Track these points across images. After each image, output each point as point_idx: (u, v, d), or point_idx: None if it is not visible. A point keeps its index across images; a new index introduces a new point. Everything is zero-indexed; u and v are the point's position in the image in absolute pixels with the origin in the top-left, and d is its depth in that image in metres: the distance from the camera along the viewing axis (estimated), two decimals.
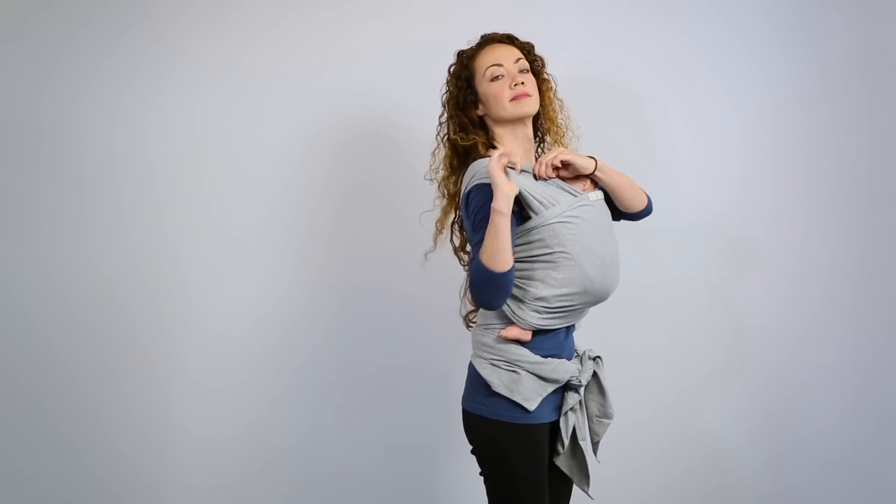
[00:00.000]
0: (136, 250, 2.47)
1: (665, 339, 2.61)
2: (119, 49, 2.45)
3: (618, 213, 1.93)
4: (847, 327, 2.64)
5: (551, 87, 1.93)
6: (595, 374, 1.87)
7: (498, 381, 1.77)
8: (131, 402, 2.48)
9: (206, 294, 2.49)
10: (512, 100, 1.82)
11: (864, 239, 2.63)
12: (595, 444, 1.91)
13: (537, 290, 1.75)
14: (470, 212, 1.76)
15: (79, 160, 2.45)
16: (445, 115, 1.93)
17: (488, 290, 1.69)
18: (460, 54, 1.91)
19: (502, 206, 1.64)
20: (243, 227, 2.50)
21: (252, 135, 2.49)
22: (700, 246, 2.60)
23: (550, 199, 1.77)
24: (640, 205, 1.92)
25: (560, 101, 1.95)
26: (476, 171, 1.77)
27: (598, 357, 1.89)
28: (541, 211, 1.74)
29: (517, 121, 1.85)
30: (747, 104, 2.60)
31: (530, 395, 1.76)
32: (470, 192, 1.76)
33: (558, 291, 1.75)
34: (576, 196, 1.80)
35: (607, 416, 1.88)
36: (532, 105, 1.84)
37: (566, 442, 1.82)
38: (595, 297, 1.80)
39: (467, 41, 1.93)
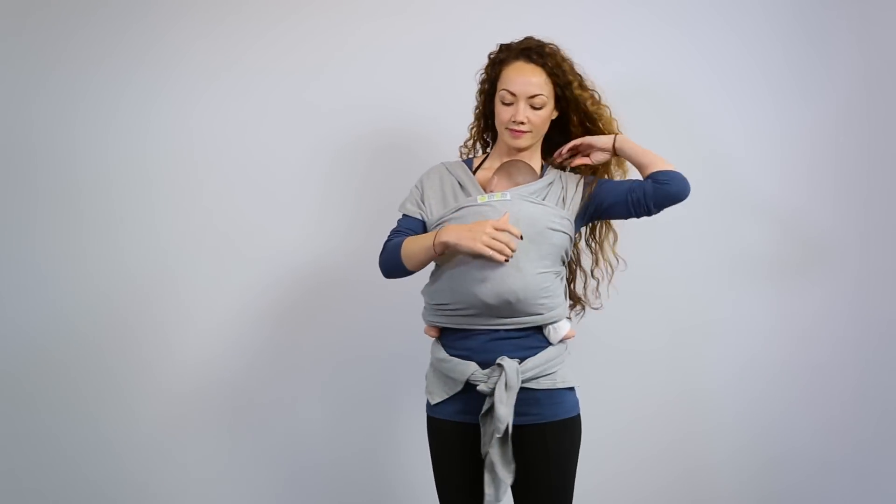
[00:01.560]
0: (134, 251, 2.48)
1: (665, 337, 2.61)
2: (118, 49, 2.45)
3: (640, 208, 1.86)
4: (847, 327, 2.64)
5: (579, 126, 1.94)
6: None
7: (426, 374, 1.94)
8: (132, 403, 2.49)
9: (201, 291, 2.50)
10: (507, 129, 1.87)
11: (863, 238, 2.63)
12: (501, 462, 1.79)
13: (425, 287, 1.91)
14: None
15: (77, 160, 2.45)
16: (478, 91, 2.00)
17: (391, 266, 1.88)
18: (501, 49, 1.93)
19: (448, 236, 1.76)
20: (243, 228, 2.50)
21: (251, 136, 2.49)
22: (700, 245, 2.60)
23: (443, 201, 1.89)
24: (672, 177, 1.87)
25: (607, 124, 1.95)
26: (427, 170, 1.98)
27: (500, 365, 1.77)
28: (428, 216, 1.90)
29: None
30: (747, 104, 2.60)
31: (433, 390, 1.87)
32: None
33: (432, 289, 1.87)
34: (468, 198, 1.86)
35: (497, 429, 1.74)
36: (526, 141, 1.89)
37: (484, 445, 1.78)
38: (469, 304, 1.78)
39: (511, 38, 1.93)
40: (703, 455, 2.64)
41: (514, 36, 1.94)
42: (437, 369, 1.88)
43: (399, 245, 1.86)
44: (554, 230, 1.81)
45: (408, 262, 1.84)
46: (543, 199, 1.85)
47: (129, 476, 2.50)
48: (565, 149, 1.95)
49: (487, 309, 1.77)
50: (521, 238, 1.75)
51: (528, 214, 1.80)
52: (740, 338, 2.63)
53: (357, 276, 2.49)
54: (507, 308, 1.77)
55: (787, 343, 2.64)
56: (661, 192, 1.84)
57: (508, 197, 1.82)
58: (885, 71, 2.61)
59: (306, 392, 2.54)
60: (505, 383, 1.74)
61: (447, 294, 1.82)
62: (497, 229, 1.72)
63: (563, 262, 1.88)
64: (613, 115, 1.96)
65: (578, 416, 1.87)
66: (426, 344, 1.97)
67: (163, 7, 2.46)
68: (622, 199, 1.86)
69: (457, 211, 1.84)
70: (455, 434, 1.84)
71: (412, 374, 2.40)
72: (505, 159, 1.93)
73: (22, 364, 2.46)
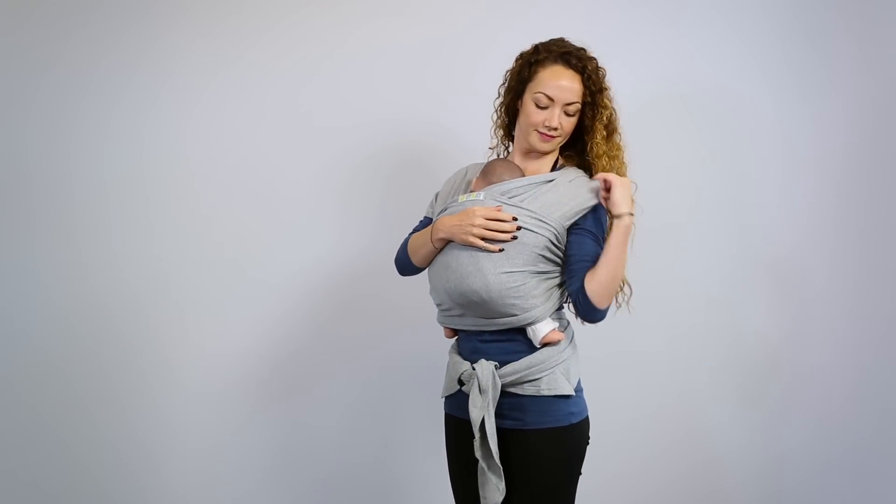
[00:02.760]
0: (132, 252, 2.47)
1: (665, 338, 2.61)
2: (117, 49, 2.44)
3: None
4: (847, 327, 2.64)
5: (604, 132, 1.84)
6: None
7: None
8: (129, 407, 2.49)
9: (201, 298, 2.49)
10: (537, 131, 1.83)
11: (863, 238, 2.63)
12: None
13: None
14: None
15: (75, 160, 2.45)
16: (504, 86, 1.94)
17: (402, 261, 1.95)
18: (536, 49, 1.86)
19: (442, 231, 1.81)
20: (243, 230, 2.50)
21: (249, 136, 2.48)
22: (700, 245, 2.60)
23: (444, 201, 1.92)
24: (601, 299, 1.75)
25: (615, 144, 1.88)
26: (448, 179, 1.99)
27: (473, 368, 1.79)
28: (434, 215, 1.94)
29: None
30: (747, 104, 2.60)
31: (446, 384, 1.90)
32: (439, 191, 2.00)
33: (430, 288, 1.89)
34: (452, 198, 1.89)
35: (474, 432, 1.76)
36: (553, 145, 1.85)
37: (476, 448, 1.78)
38: (440, 297, 1.83)
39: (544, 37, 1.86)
40: (702, 455, 2.64)
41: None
42: (448, 366, 1.91)
43: (407, 241, 1.94)
44: (525, 230, 1.76)
45: (413, 257, 1.90)
46: (517, 198, 1.80)
47: (136, 482, 2.50)
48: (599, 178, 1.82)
49: (462, 309, 1.79)
50: (516, 220, 1.75)
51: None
52: (740, 338, 2.63)
53: (365, 280, 2.51)
54: (479, 308, 1.76)
55: (788, 343, 2.64)
56: (578, 309, 1.80)
57: (481, 197, 1.81)
58: (885, 71, 2.61)
59: (318, 400, 2.54)
60: (478, 386, 1.74)
61: (434, 294, 1.88)
62: (487, 218, 1.74)
63: (552, 262, 1.79)
64: (623, 143, 1.89)
65: (574, 425, 1.78)
66: (438, 353, 1.97)
67: (162, 7, 2.46)
68: (570, 256, 1.80)
69: (442, 211, 1.88)
70: (456, 429, 1.87)
71: (425, 383, 2.41)
72: (518, 158, 1.90)
73: (19, 366, 2.45)
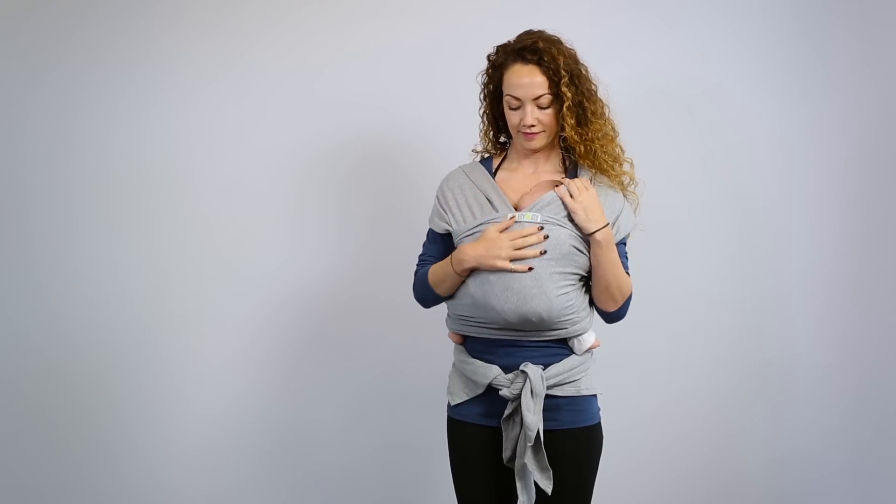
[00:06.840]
0: (132, 252, 2.47)
1: (665, 338, 2.61)
2: (117, 49, 2.44)
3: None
4: (847, 327, 2.64)
5: (572, 120, 1.80)
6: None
7: (449, 374, 1.94)
8: (123, 406, 2.49)
9: (200, 298, 2.50)
10: (521, 132, 1.83)
11: (864, 239, 2.63)
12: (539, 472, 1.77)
13: (452, 295, 1.87)
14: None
15: (75, 161, 2.45)
16: (481, 94, 1.94)
17: (425, 296, 1.90)
18: (498, 51, 1.87)
19: (468, 262, 1.76)
20: (242, 231, 2.50)
21: (250, 137, 2.48)
22: (700, 245, 2.60)
23: (470, 212, 1.84)
24: (604, 304, 1.84)
25: (604, 122, 1.86)
26: (446, 176, 1.93)
27: (524, 372, 1.76)
28: (453, 227, 1.86)
29: None
30: (747, 105, 2.60)
31: (454, 391, 1.88)
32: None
33: (456, 301, 1.84)
34: (496, 212, 1.82)
35: (528, 438, 1.74)
36: (541, 141, 1.84)
37: (506, 451, 1.79)
38: (488, 315, 1.76)
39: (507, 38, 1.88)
40: (702, 456, 2.64)
41: (513, 37, 1.92)
42: (459, 370, 1.88)
43: (426, 276, 1.87)
44: (580, 252, 1.78)
45: (440, 290, 1.85)
46: (561, 214, 1.79)
47: (131, 480, 2.50)
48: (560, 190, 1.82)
49: (510, 325, 1.77)
50: (542, 228, 1.75)
51: (555, 236, 1.76)
52: (740, 338, 2.63)
53: (365, 279, 2.51)
54: (531, 325, 1.76)
55: (787, 343, 2.65)
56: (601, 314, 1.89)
57: (539, 220, 1.78)
58: (885, 71, 2.61)
59: (316, 399, 2.54)
60: (531, 391, 1.74)
61: (470, 308, 1.81)
62: (513, 240, 1.73)
63: (590, 275, 1.84)
64: (607, 119, 1.87)
65: (599, 423, 1.88)
66: (438, 353, 1.96)
67: (162, 7, 2.46)
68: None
69: (480, 225, 1.81)
70: (477, 437, 1.84)
71: (425, 382, 2.42)
72: (525, 162, 1.89)
73: (17, 365, 2.45)
